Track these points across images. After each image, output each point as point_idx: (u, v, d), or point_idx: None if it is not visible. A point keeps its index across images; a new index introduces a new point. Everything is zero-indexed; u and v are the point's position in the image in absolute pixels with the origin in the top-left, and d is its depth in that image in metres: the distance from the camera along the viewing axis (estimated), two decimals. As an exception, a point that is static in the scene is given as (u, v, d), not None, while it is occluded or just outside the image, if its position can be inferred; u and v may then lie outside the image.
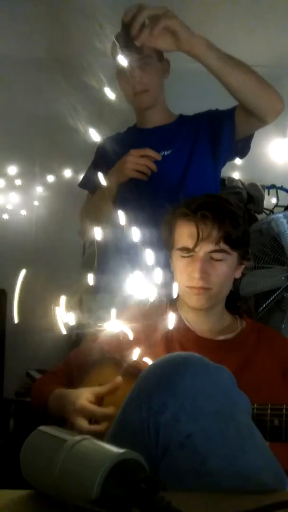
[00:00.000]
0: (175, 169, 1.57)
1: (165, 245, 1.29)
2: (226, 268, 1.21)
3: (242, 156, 1.69)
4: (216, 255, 1.20)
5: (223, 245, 1.19)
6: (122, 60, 1.19)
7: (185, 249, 1.21)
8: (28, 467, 0.71)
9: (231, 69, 1.37)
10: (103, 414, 1.03)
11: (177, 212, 1.25)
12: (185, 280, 1.21)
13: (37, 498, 0.69)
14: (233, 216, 1.21)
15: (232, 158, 1.71)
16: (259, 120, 1.49)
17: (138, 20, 1.20)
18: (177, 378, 0.80)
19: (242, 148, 1.64)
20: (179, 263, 1.23)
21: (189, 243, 1.20)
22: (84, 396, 1.08)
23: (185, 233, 1.22)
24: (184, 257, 1.22)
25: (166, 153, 1.59)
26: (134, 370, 1.06)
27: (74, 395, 1.10)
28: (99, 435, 0.84)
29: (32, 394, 1.27)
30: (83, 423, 1.04)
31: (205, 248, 1.19)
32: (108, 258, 1.66)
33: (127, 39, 1.22)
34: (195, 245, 1.19)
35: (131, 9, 1.23)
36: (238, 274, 1.28)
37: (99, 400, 1.09)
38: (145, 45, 1.27)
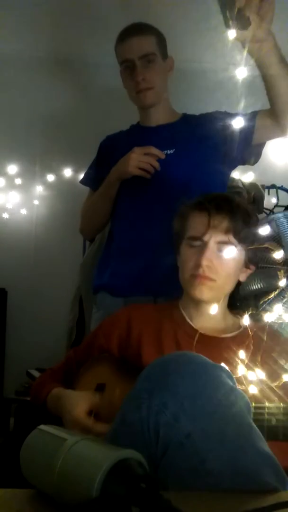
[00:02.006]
0: (179, 169, 1.57)
1: (175, 239, 1.30)
2: (233, 263, 1.22)
3: (253, 162, 1.68)
4: (224, 247, 1.20)
5: (232, 238, 1.20)
6: (232, 34, 1.07)
7: (195, 238, 1.22)
8: (28, 466, 0.71)
9: (285, 72, 1.32)
10: (97, 432, 1.03)
11: (192, 202, 1.27)
12: (190, 268, 1.22)
13: (37, 497, 0.69)
14: (245, 213, 1.24)
15: (244, 163, 1.70)
16: (282, 130, 1.47)
17: None
18: (177, 377, 0.80)
19: (256, 154, 1.64)
20: (187, 252, 1.24)
21: (199, 232, 1.21)
22: (80, 407, 1.08)
23: (196, 222, 1.23)
24: (193, 246, 1.23)
25: (169, 151, 1.59)
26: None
27: (70, 403, 1.10)
28: None
29: (31, 393, 1.28)
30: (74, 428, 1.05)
31: (214, 237, 1.20)
32: (109, 256, 1.66)
33: (232, 14, 1.06)
34: (205, 232, 1.20)
35: None
36: (243, 277, 1.28)
37: (96, 409, 1.09)
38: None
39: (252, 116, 1.54)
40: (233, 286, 1.27)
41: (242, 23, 1.10)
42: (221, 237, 1.20)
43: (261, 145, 1.62)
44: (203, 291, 1.20)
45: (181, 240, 1.27)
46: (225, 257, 1.20)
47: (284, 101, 1.40)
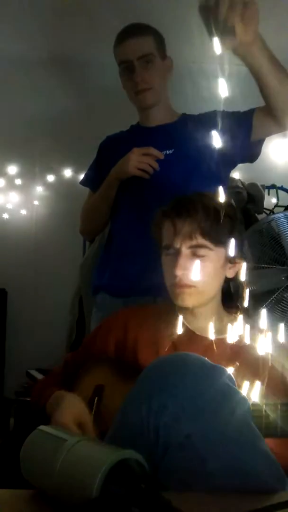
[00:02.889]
0: (178, 169, 1.57)
1: (158, 247, 1.30)
2: (210, 265, 1.19)
3: (252, 160, 1.68)
4: (198, 251, 1.19)
5: (202, 240, 1.19)
6: (218, 46, 1.07)
7: (167, 247, 1.22)
8: (28, 466, 0.71)
9: (276, 73, 1.33)
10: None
11: (160, 212, 1.26)
12: (169, 278, 1.21)
13: (37, 497, 0.69)
14: (207, 210, 1.20)
15: (243, 161, 1.70)
16: (281, 125, 1.47)
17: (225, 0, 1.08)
18: (176, 378, 0.80)
19: (255, 151, 1.63)
20: (165, 261, 1.23)
21: (169, 240, 1.20)
22: (67, 416, 1.02)
23: (165, 230, 1.23)
24: (168, 255, 1.22)
25: (168, 152, 1.59)
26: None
27: (60, 410, 1.06)
28: None
29: (32, 398, 1.27)
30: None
31: (184, 243, 1.19)
32: (108, 257, 1.66)
33: (215, 24, 1.07)
34: (173, 240, 1.19)
35: None
36: (231, 274, 1.26)
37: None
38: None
39: (250, 114, 1.54)
40: (219, 285, 1.25)
41: (226, 32, 1.10)
42: (189, 241, 1.18)
43: (260, 142, 1.62)
44: (184, 299, 1.19)
45: (161, 249, 1.27)
46: (202, 262, 1.18)
47: (278, 98, 1.40)
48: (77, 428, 1.02)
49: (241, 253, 1.26)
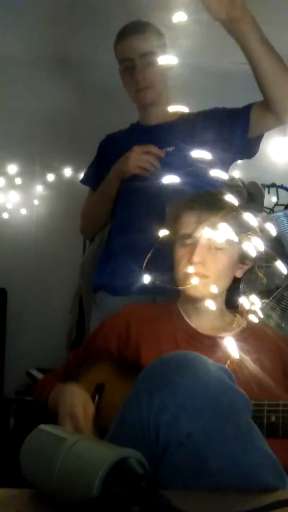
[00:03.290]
0: (178, 166, 1.56)
1: (168, 239, 1.29)
2: (226, 258, 1.21)
3: (250, 156, 1.68)
4: (216, 243, 1.20)
5: (223, 233, 1.20)
6: (182, 16, 1.08)
7: (186, 236, 1.22)
8: (28, 466, 0.71)
9: (269, 54, 1.32)
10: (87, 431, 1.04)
11: (181, 203, 1.27)
12: (183, 266, 1.21)
13: (37, 497, 0.69)
14: (235, 208, 1.22)
15: (242, 157, 1.69)
16: (277, 118, 1.47)
17: None
18: (177, 377, 0.80)
19: (253, 147, 1.63)
20: (180, 251, 1.24)
21: (190, 229, 1.21)
22: (78, 400, 1.07)
23: (186, 221, 1.23)
24: (185, 245, 1.22)
25: (169, 149, 1.59)
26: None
27: (69, 395, 1.09)
28: None
29: (34, 393, 1.28)
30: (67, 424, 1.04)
31: (205, 234, 1.20)
32: (109, 256, 1.66)
33: None
34: (195, 230, 1.20)
35: None
36: (239, 274, 1.28)
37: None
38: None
39: (247, 109, 1.54)
40: (229, 282, 1.26)
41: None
42: (211, 232, 1.19)
43: (258, 138, 1.62)
44: (197, 288, 1.20)
45: (173, 241, 1.27)
46: (219, 253, 1.19)
47: (273, 86, 1.38)
48: (84, 415, 1.03)
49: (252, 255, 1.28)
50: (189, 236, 1.21)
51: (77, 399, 1.08)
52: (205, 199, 1.24)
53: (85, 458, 0.64)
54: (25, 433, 0.75)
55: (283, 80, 1.38)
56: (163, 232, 1.23)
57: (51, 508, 0.66)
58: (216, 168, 1.62)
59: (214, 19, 1.20)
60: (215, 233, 1.19)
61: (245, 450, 0.76)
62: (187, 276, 1.20)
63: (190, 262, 1.19)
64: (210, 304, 1.22)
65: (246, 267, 1.29)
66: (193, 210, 1.23)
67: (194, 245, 1.20)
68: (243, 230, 1.23)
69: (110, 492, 0.60)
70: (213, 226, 1.19)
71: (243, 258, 1.26)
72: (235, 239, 1.21)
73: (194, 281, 1.20)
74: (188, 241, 1.22)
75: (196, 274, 1.19)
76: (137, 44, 1.58)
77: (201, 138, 1.59)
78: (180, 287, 1.25)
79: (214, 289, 1.22)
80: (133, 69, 1.58)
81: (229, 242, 1.20)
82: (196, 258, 1.18)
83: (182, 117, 1.70)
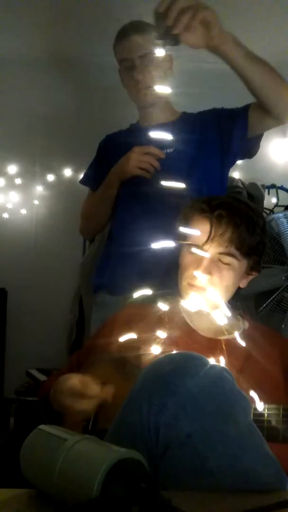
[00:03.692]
0: (178, 167, 1.56)
1: (178, 238, 1.28)
2: (232, 275, 1.19)
3: (251, 155, 1.68)
4: (224, 258, 1.17)
5: (233, 250, 1.17)
6: (160, 52, 1.14)
7: (195, 246, 1.20)
8: (28, 466, 0.71)
9: (256, 67, 1.34)
10: (91, 393, 1.03)
11: (195, 206, 1.23)
12: (188, 276, 1.20)
13: (37, 497, 0.69)
14: (250, 222, 1.19)
15: (242, 157, 1.69)
16: (275, 119, 1.47)
17: (174, 9, 1.14)
18: (177, 378, 0.80)
19: (253, 147, 1.63)
20: (187, 258, 1.22)
21: (200, 240, 1.18)
22: (73, 378, 1.07)
23: (198, 228, 1.19)
24: (192, 253, 1.20)
25: (169, 150, 1.59)
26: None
27: (63, 378, 1.10)
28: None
29: (39, 393, 1.28)
30: (67, 399, 1.04)
31: (214, 248, 1.17)
32: (109, 256, 1.66)
33: (162, 30, 1.15)
34: (205, 243, 1.18)
35: None
36: (243, 284, 1.25)
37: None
38: (180, 38, 1.19)
39: (245, 110, 1.54)
40: (233, 293, 1.25)
41: (172, 40, 1.17)
42: (222, 248, 1.17)
43: (258, 138, 1.62)
44: (197, 301, 1.19)
45: (183, 241, 1.26)
46: (225, 269, 1.17)
47: (265, 94, 1.40)
48: (81, 383, 1.04)
49: (259, 266, 1.26)
50: (198, 247, 1.19)
51: (70, 377, 1.08)
52: (220, 211, 1.18)
53: (85, 458, 0.64)
54: (25, 433, 0.75)
55: (274, 88, 1.39)
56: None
57: (51, 508, 0.66)
58: (215, 168, 1.62)
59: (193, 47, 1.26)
60: (225, 250, 1.17)
61: (245, 450, 0.76)
62: (190, 287, 1.19)
63: (195, 274, 1.17)
64: (216, 315, 1.21)
65: (251, 277, 1.27)
66: (206, 220, 1.19)
67: (202, 257, 1.17)
68: (256, 247, 1.21)
69: (110, 492, 0.60)
70: (224, 242, 1.17)
71: (249, 270, 1.24)
72: (243, 255, 1.18)
73: (196, 296, 1.18)
74: (196, 250, 1.20)
75: (200, 288, 1.17)
76: (137, 44, 1.58)
77: (200, 138, 1.60)
78: (181, 294, 1.24)
79: (211, 303, 1.20)
80: (133, 69, 1.58)
81: (237, 258, 1.18)
82: (202, 272, 1.16)
83: (182, 117, 1.70)
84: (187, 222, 1.23)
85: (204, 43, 1.25)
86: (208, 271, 1.16)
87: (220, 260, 1.17)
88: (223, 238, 1.16)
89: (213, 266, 1.17)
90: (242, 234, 1.17)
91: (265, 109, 1.45)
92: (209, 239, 1.16)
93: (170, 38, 1.17)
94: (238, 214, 1.18)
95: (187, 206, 1.26)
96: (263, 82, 1.37)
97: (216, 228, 1.17)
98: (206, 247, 1.18)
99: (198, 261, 1.18)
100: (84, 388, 1.04)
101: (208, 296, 1.17)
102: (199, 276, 1.16)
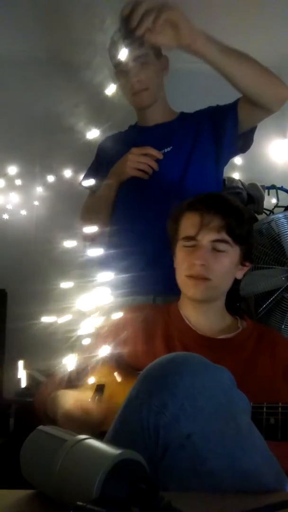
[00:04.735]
0: (176, 166, 1.57)
1: (170, 240, 1.30)
2: (228, 261, 1.22)
3: (245, 150, 1.68)
4: (219, 245, 1.20)
5: (225, 236, 1.20)
6: (123, 54, 1.17)
7: (188, 238, 1.22)
8: (28, 467, 0.71)
9: (233, 60, 1.35)
10: (91, 418, 1.04)
11: (183, 204, 1.27)
12: (185, 269, 1.22)
13: (37, 498, 0.69)
14: (237, 211, 1.24)
15: (235, 153, 1.70)
16: (264, 110, 1.48)
17: (138, 11, 1.18)
18: (176, 378, 0.80)
19: (246, 141, 1.63)
20: (182, 253, 1.24)
21: (192, 231, 1.21)
22: (73, 402, 1.08)
23: (189, 223, 1.24)
24: (187, 246, 1.23)
25: (166, 150, 1.59)
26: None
27: (63, 399, 1.11)
28: None
29: (35, 403, 1.29)
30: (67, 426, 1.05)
31: (207, 237, 1.20)
32: (108, 256, 1.66)
33: (127, 32, 1.20)
34: (197, 233, 1.19)
35: (130, 1, 1.21)
36: (239, 275, 1.28)
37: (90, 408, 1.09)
38: (146, 40, 1.22)
39: (234, 105, 1.55)
40: (230, 284, 1.27)
41: (137, 42, 1.21)
42: (214, 235, 1.20)
43: (251, 131, 1.62)
44: (199, 291, 1.20)
45: (175, 242, 1.28)
46: (221, 256, 1.20)
47: (247, 86, 1.41)
48: (81, 411, 1.04)
49: (251, 256, 1.29)
50: (191, 238, 1.22)
51: (71, 401, 1.08)
52: (207, 201, 1.24)
53: (85, 459, 0.64)
54: (25, 434, 0.75)
55: (256, 79, 1.40)
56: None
57: (51, 509, 0.66)
58: (211, 166, 1.63)
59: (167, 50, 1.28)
60: (217, 236, 1.20)
61: (244, 451, 0.76)
62: (189, 278, 1.20)
63: (192, 264, 1.19)
64: (213, 310, 1.22)
65: (246, 269, 1.29)
66: (195, 211, 1.23)
67: (196, 247, 1.21)
68: (246, 233, 1.24)
69: (110, 493, 0.60)
70: (216, 229, 1.20)
71: (243, 259, 1.27)
72: (235, 242, 1.21)
73: (196, 283, 1.19)
74: (190, 243, 1.22)
75: (198, 277, 1.19)
76: (130, 47, 1.58)
77: (196, 137, 1.60)
78: (182, 289, 1.25)
79: (215, 291, 1.22)
80: (128, 72, 1.58)
81: (230, 244, 1.21)
82: (198, 260, 1.18)
83: (180, 117, 1.70)
84: (177, 221, 1.26)
85: (175, 43, 1.27)
86: (205, 259, 1.18)
87: (214, 248, 1.20)
88: (214, 225, 1.19)
89: (208, 255, 1.19)
90: (231, 222, 1.21)
91: (252, 101, 1.45)
92: (201, 228, 1.19)
93: (136, 40, 1.20)
94: (225, 204, 1.23)
95: (175, 206, 1.29)
96: (244, 75, 1.38)
97: (206, 217, 1.21)
98: (199, 237, 1.20)
99: (194, 252, 1.20)
100: (86, 419, 1.05)
101: (207, 285, 1.19)
102: (196, 264, 1.18)
